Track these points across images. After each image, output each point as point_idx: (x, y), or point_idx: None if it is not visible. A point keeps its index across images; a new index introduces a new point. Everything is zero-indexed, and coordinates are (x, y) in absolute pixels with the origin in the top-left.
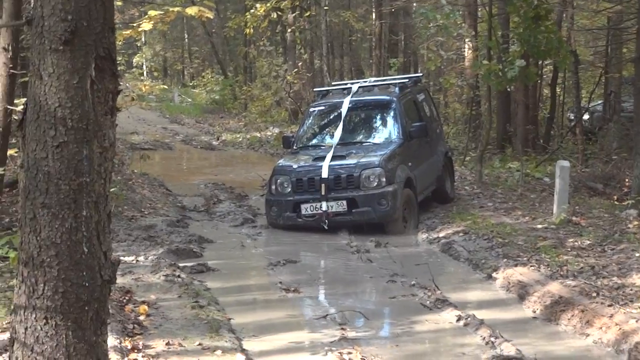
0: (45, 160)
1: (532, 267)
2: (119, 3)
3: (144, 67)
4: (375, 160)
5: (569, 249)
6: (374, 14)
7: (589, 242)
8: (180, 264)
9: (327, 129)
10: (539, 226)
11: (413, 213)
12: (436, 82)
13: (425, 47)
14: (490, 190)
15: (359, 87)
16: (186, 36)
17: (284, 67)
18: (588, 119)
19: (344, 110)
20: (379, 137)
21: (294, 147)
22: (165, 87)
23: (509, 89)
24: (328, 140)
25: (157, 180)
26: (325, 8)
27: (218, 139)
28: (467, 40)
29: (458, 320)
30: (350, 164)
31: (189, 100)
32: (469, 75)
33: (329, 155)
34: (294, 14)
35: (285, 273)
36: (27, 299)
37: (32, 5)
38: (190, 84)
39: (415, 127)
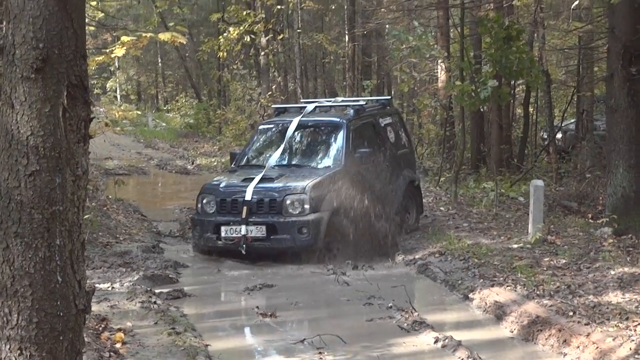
0: (18, 189)
1: (509, 287)
2: (92, 28)
3: (118, 91)
4: (301, 186)
5: (545, 268)
6: (346, 36)
7: (564, 260)
8: (156, 290)
9: (270, 149)
10: (515, 246)
11: (345, 243)
12: (410, 104)
13: (398, 68)
14: (465, 210)
15: (316, 107)
16: (159, 60)
17: (258, 90)
18: (561, 137)
19: (289, 130)
20: (319, 161)
21: (236, 165)
22: (139, 112)
23: (482, 109)
24: (267, 160)
25: (132, 205)
26: (298, 31)
27: (193, 163)
28: (439, 61)
29: (436, 342)
30: (276, 188)
31: (163, 124)
32: (443, 96)
33: (258, 177)
34: (267, 37)
35: (261, 297)
36: (0, 330)
37: (3, 33)
38: (165, 108)
39: (361, 153)
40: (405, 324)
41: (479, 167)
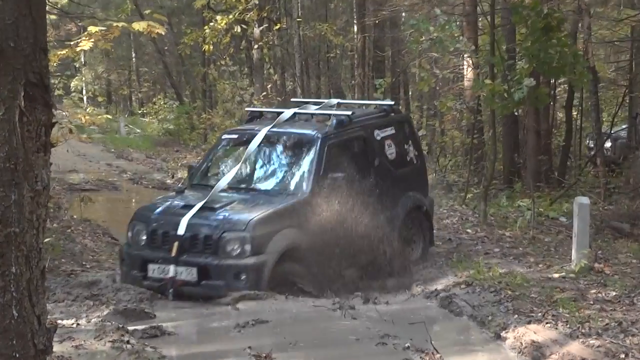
0: None
1: (548, 324)
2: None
3: (84, 92)
4: (243, 220)
5: (592, 302)
6: (355, 27)
7: (614, 293)
8: (130, 327)
9: (229, 165)
10: (556, 275)
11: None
12: (430, 106)
13: (417, 64)
14: (496, 233)
15: (295, 113)
16: (134, 55)
17: (250, 90)
18: (610, 146)
19: (252, 144)
20: (281, 184)
21: (189, 183)
22: (109, 116)
23: (516, 113)
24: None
25: (100, 227)
26: (298, 20)
27: (173, 177)
28: (466, 56)
29: None
30: (213, 221)
31: (138, 131)
32: (469, 98)
33: (199, 205)
34: (261, 28)
35: (254, 336)
36: None
37: None
38: (140, 111)
39: (335, 178)
40: None
41: (513, 181)
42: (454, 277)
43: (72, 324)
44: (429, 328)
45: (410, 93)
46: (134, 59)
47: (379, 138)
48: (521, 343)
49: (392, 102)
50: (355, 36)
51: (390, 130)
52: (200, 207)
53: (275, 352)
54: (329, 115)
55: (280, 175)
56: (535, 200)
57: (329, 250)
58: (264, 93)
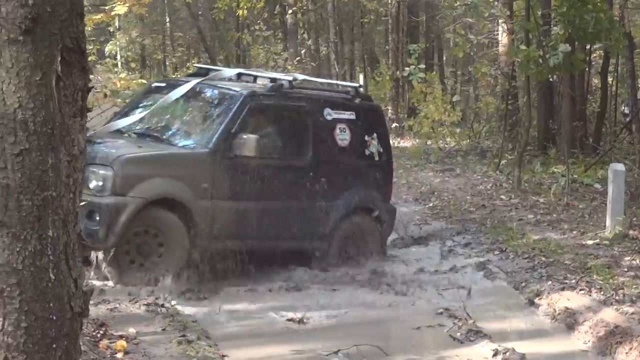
0: (4, 171)
1: (582, 291)
2: None
3: (118, 56)
4: (111, 155)
5: (626, 269)
6: None
7: None
8: (164, 291)
9: (142, 111)
10: (590, 242)
11: (172, 256)
12: (465, 72)
13: (451, 30)
14: (530, 199)
15: (240, 73)
16: (167, 20)
17: (284, 55)
18: None
19: (173, 93)
20: (185, 136)
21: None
22: (144, 81)
23: (551, 79)
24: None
25: None
26: None
27: None
28: (501, 21)
29: (495, 354)
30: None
31: None
32: (504, 63)
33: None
34: None
35: (287, 299)
36: None
37: None
38: (173, 76)
39: (246, 139)
40: (459, 333)
41: (547, 147)
42: (488, 244)
43: (107, 287)
44: (462, 294)
45: (444, 59)
46: (168, 24)
47: (329, 118)
48: (554, 309)
49: (357, 85)
50: (389, 1)
51: (348, 115)
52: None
53: (308, 315)
54: (274, 79)
55: (190, 127)
56: (569, 166)
57: (220, 217)
58: (298, 58)
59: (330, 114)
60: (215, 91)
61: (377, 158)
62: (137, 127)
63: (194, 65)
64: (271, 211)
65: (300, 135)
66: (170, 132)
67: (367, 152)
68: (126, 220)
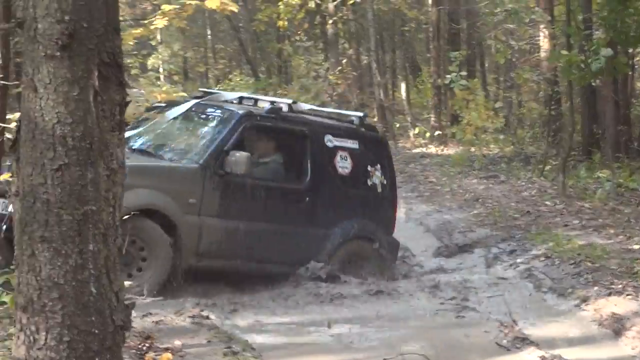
0: (44, 187)
1: (629, 296)
2: None
3: (161, 70)
4: None
5: None
6: (430, 0)
7: None
8: (209, 302)
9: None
10: (636, 247)
11: (155, 268)
12: (507, 78)
13: (492, 36)
14: (575, 205)
15: (241, 97)
16: (209, 32)
17: (325, 65)
18: None
19: (172, 111)
20: (176, 152)
21: None
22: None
23: (594, 84)
24: None
25: None
26: None
27: None
28: (542, 26)
29: None
30: None
31: None
32: (546, 69)
33: None
34: (335, 2)
35: (332, 307)
36: (27, 350)
37: (23, 5)
38: (216, 88)
39: (239, 157)
40: (505, 340)
41: (592, 152)
42: (533, 250)
43: (152, 300)
44: (507, 300)
45: (486, 65)
46: (209, 36)
47: (330, 145)
48: (601, 315)
49: (362, 114)
50: (429, 9)
51: (351, 143)
52: None
53: (352, 323)
54: (273, 103)
55: (183, 144)
56: (614, 171)
57: (207, 234)
58: (339, 68)
59: (331, 140)
60: (212, 110)
61: (379, 190)
62: (131, 143)
63: (199, 89)
64: (262, 233)
65: (298, 159)
66: (163, 148)
67: (369, 183)
68: None
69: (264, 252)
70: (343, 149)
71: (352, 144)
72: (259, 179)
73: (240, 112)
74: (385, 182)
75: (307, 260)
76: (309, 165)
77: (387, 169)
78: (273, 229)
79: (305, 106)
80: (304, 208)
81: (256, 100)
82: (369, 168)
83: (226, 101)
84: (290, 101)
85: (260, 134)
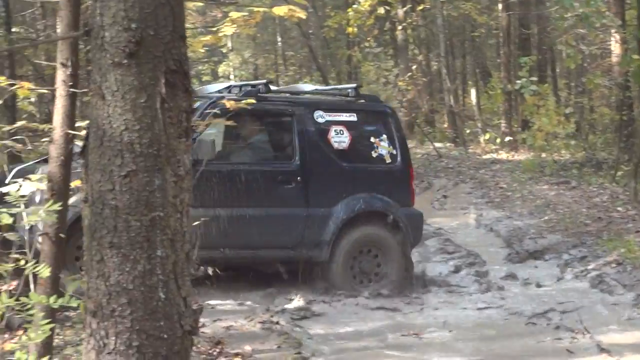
0: (112, 193)
1: None
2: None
3: (232, 77)
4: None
5: None
6: (500, 5)
7: None
8: (279, 308)
9: None
10: None
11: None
12: (578, 83)
13: (563, 41)
14: None
15: (230, 86)
16: (279, 39)
17: (395, 71)
18: None
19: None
20: None
21: None
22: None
23: None
24: None
25: None
26: (442, 0)
27: None
28: (613, 31)
29: None
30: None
31: None
32: (618, 74)
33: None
34: (404, 8)
35: (403, 313)
36: (96, 355)
37: (90, 13)
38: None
39: (198, 144)
40: (576, 347)
41: None
42: (605, 256)
43: (222, 305)
44: (579, 307)
45: (557, 70)
46: (279, 43)
47: (321, 120)
48: None
49: (355, 85)
50: (499, 14)
51: (346, 116)
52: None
53: (425, 331)
54: (253, 85)
55: None
56: None
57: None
58: (409, 74)
59: (322, 116)
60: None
61: (388, 161)
62: None
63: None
64: (248, 219)
65: (284, 138)
66: None
67: (374, 155)
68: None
69: (253, 238)
70: (337, 123)
71: (348, 116)
72: (239, 163)
73: (213, 98)
74: (394, 152)
75: (308, 242)
76: (297, 144)
77: (396, 138)
78: (259, 214)
79: (307, 87)
80: (295, 188)
81: (241, 87)
82: (372, 139)
83: (211, 93)
84: (264, 81)
85: (235, 118)
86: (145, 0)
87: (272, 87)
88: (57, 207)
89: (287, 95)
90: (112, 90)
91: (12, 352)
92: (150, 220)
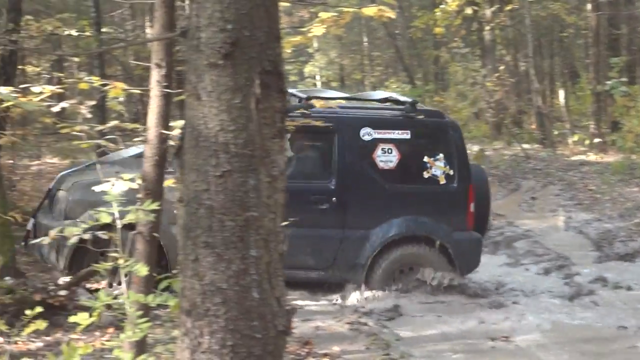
0: (207, 193)
1: None
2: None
3: (318, 77)
4: (70, 179)
5: None
6: (589, 5)
7: None
8: (367, 309)
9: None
10: None
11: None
12: None
13: None
14: None
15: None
16: (365, 40)
17: (482, 72)
18: None
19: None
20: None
21: None
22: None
23: None
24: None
25: None
26: (530, 0)
27: None
28: None
29: None
30: (68, 179)
31: None
32: None
33: (87, 163)
34: (492, 9)
35: (493, 316)
36: (190, 354)
37: (186, 14)
38: None
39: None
40: None
41: None
42: None
43: (311, 306)
44: None
45: None
46: (365, 43)
47: (367, 138)
48: None
49: (413, 100)
50: (588, 14)
51: (398, 134)
52: (83, 166)
53: (513, 334)
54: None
55: None
56: None
57: None
58: (497, 74)
59: (370, 133)
60: None
61: (443, 182)
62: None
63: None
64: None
65: (320, 157)
66: None
67: (425, 175)
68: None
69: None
70: (386, 140)
71: (400, 134)
72: None
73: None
74: (452, 173)
75: (342, 264)
76: (336, 163)
77: (455, 157)
78: (292, 235)
79: (378, 94)
80: (330, 209)
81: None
82: (426, 159)
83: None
84: (304, 96)
85: None
86: (240, 1)
87: (332, 93)
88: (154, 206)
89: (331, 109)
90: (207, 90)
91: (108, 350)
92: (245, 220)
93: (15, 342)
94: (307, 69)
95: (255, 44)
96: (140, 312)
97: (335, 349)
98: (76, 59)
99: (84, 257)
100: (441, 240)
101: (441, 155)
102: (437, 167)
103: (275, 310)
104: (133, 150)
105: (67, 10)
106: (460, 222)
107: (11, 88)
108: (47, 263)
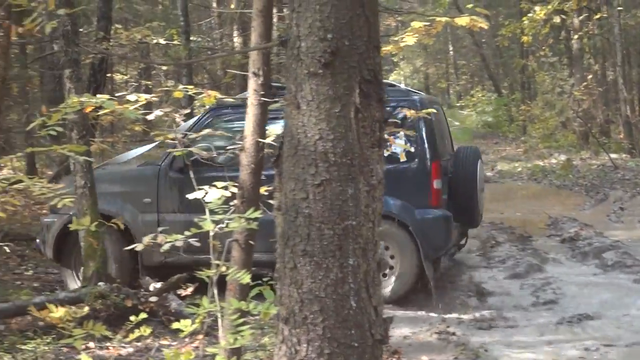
0: (306, 202)
1: None
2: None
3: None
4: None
5: None
6: None
7: None
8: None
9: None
10: None
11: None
12: None
13: None
14: None
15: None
16: (451, 48)
17: (570, 81)
18: None
19: (133, 152)
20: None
21: None
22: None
23: None
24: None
25: None
26: (619, 9)
27: (492, 169)
28: None
29: None
30: None
31: (457, 123)
32: None
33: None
34: (580, 17)
35: (584, 330)
36: None
37: (287, 24)
38: (458, 104)
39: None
40: None
41: None
42: None
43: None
44: None
45: None
46: (451, 52)
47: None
48: None
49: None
50: None
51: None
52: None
53: (606, 349)
54: None
55: None
56: None
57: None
58: (584, 83)
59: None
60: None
61: (404, 159)
62: None
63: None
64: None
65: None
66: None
67: (385, 154)
68: (53, 235)
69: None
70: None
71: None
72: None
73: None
74: (412, 150)
75: None
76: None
77: (418, 133)
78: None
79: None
80: None
81: None
82: (386, 137)
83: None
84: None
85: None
86: (341, 10)
87: None
88: (255, 214)
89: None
90: (307, 99)
91: (210, 356)
92: (343, 229)
93: (107, 348)
94: (392, 78)
95: (355, 53)
96: (241, 320)
97: (424, 358)
98: (164, 67)
99: (66, 245)
100: (400, 218)
101: (402, 133)
102: (398, 145)
103: (372, 319)
104: (134, 152)
105: (155, 19)
106: (422, 200)
107: (107, 96)
108: (43, 255)
